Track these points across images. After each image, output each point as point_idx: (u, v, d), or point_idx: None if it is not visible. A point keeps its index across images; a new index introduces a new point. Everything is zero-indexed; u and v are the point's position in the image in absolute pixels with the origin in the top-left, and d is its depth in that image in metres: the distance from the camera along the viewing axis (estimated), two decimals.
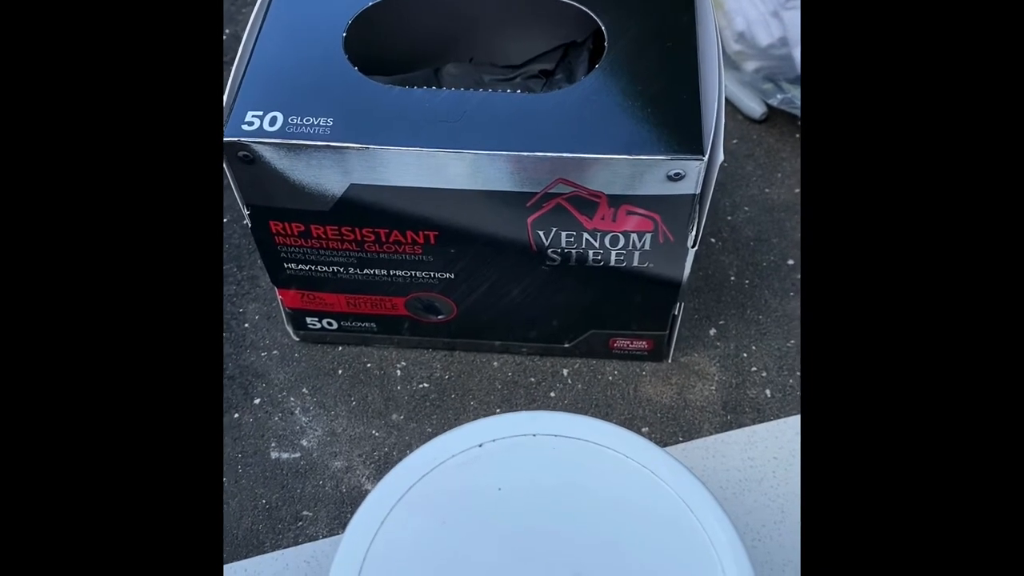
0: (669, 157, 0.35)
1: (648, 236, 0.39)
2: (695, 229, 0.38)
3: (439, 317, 0.45)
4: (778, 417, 0.45)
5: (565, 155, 0.36)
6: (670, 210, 0.38)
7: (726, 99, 0.55)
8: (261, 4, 0.41)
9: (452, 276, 0.42)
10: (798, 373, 0.46)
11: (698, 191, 0.37)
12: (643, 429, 0.45)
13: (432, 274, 0.42)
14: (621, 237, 0.39)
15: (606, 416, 0.45)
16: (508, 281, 0.42)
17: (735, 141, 0.57)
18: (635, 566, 0.30)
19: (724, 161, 0.36)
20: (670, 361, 0.47)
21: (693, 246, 0.39)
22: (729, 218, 0.53)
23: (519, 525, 0.31)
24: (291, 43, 0.39)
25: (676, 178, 0.36)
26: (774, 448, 0.44)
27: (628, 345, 0.46)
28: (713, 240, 0.52)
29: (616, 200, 0.37)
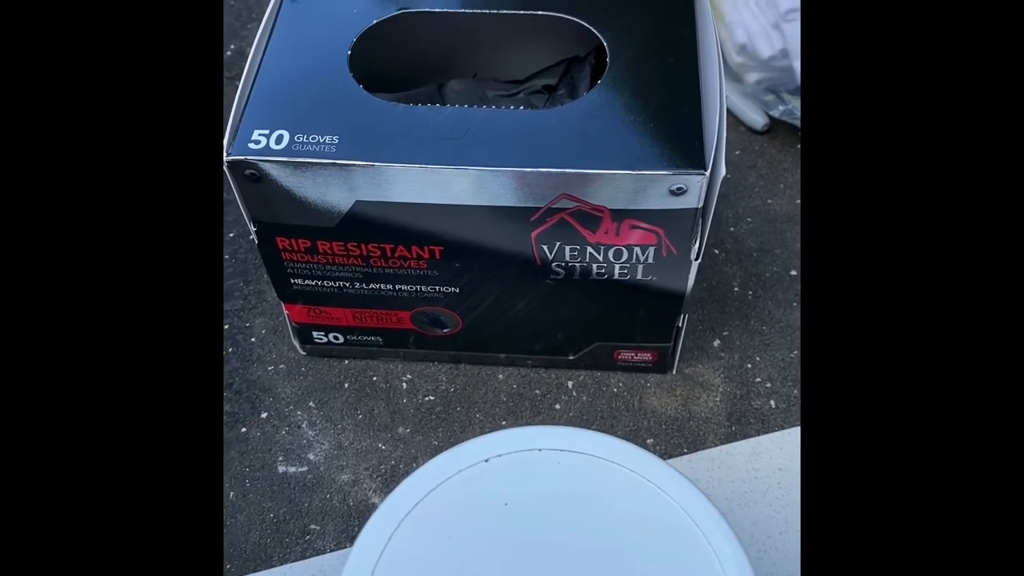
0: (671, 172, 0.36)
1: (651, 249, 0.39)
2: (698, 242, 0.39)
3: (444, 331, 0.45)
4: (783, 428, 0.45)
5: (568, 171, 0.36)
6: (673, 224, 0.38)
7: (728, 111, 0.56)
8: (266, 23, 0.41)
9: (457, 290, 0.42)
10: None
11: (700, 205, 0.37)
12: (648, 441, 0.45)
13: (437, 288, 0.42)
14: (624, 251, 0.39)
15: (611, 428, 0.46)
16: (513, 295, 0.42)
17: (737, 152, 0.57)
18: None
19: (727, 174, 0.36)
20: (674, 372, 0.47)
21: (696, 259, 0.39)
22: (732, 229, 0.53)
23: (525, 540, 0.31)
24: (296, 61, 0.40)
25: (678, 192, 0.36)
26: (779, 459, 0.44)
27: (632, 357, 0.46)
28: (716, 251, 0.52)
29: (619, 215, 0.38)
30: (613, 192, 0.37)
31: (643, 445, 0.37)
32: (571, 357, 0.46)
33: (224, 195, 0.54)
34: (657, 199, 0.37)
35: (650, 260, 0.40)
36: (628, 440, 0.34)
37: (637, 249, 0.39)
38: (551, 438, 0.33)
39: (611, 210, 0.37)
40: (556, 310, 0.43)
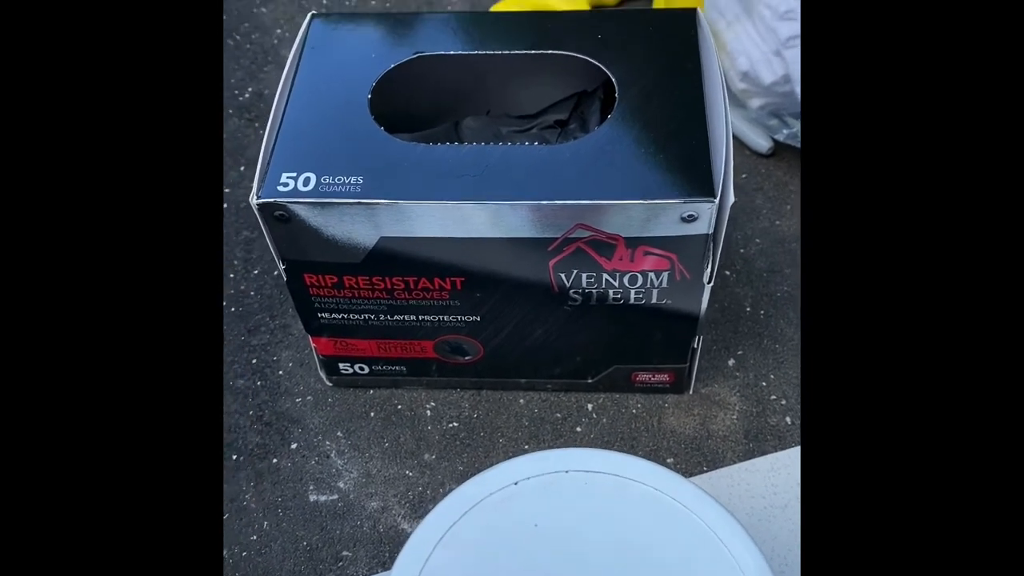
0: (682, 200, 0.37)
1: (665, 274, 0.41)
2: (710, 266, 0.40)
3: (466, 358, 0.46)
4: (799, 444, 0.46)
5: (583, 202, 0.37)
6: (685, 249, 0.39)
7: (734, 136, 0.57)
8: (289, 69, 0.43)
9: (478, 319, 0.44)
10: None
11: (711, 231, 0.38)
12: (668, 460, 0.46)
13: (459, 318, 0.44)
14: (639, 276, 0.41)
15: (631, 448, 0.47)
16: (532, 322, 0.44)
17: (744, 176, 0.58)
18: None
19: (735, 199, 0.37)
20: (691, 392, 0.48)
21: (709, 282, 0.41)
22: (742, 251, 0.54)
23: (556, 560, 0.32)
24: (319, 106, 0.41)
25: (689, 219, 0.38)
26: (796, 474, 0.45)
27: (650, 378, 0.47)
28: (728, 273, 0.53)
29: (633, 242, 0.39)
30: (626, 221, 0.38)
31: (663, 464, 0.38)
32: (590, 380, 0.48)
33: (249, 233, 0.56)
34: (669, 226, 0.38)
35: (664, 284, 0.41)
36: (649, 460, 0.35)
37: (651, 274, 0.41)
38: (577, 460, 0.34)
39: (625, 238, 0.39)
40: (574, 335, 0.44)
